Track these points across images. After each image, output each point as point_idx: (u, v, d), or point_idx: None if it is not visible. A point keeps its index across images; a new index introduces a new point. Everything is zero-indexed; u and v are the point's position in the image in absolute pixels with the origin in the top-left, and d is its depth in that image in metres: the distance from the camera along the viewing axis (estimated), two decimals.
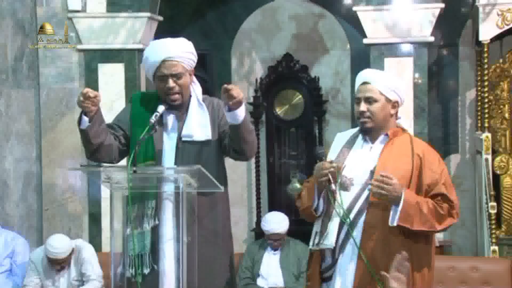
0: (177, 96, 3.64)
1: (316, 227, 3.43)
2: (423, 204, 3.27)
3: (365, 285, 3.28)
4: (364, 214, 3.32)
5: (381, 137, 3.45)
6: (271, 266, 5.74)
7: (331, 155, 3.50)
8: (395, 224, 3.24)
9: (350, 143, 3.49)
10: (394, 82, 3.47)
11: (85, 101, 3.43)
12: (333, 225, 3.34)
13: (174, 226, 3.53)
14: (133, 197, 3.52)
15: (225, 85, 3.40)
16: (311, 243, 3.43)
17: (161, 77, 3.64)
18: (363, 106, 3.42)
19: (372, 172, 3.34)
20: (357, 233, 3.32)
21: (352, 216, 3.33)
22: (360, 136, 3.50)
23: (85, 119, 3.50)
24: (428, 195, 3.32)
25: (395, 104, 3.45)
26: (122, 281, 3.56)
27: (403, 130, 3.52)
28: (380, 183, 3.23)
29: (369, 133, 3.46)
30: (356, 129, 3.55)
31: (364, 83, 3.46)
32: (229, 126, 3.52)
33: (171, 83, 3.62)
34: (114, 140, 3.67)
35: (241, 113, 3.44)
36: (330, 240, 3.33)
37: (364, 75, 3.50)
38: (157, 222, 3.55)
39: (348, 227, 3.32)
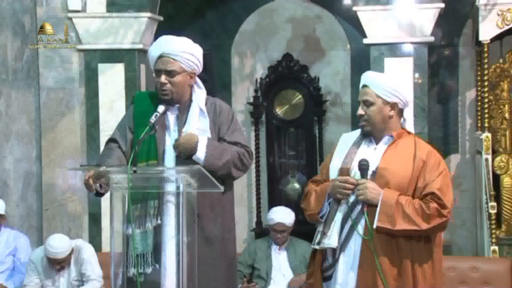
0: (167, 92, 3.66)
1: (319, 227, 3.47)
2: (407, 204, 3.30)
3: (367, 285, 3.31)
4: (365, 215, 3.34)
5: (386, 138, 3.48)
6: (276, 265, 5.73)
7: (337, 155, 3.53)
8: (375, 226, 3.29)
9: (357, 144, 3.52)
10: (393, 84, 3.47)
11: (90, 183, 3.49)
12: (336, 226, 3.39)
13: (175, 225, 3.53)
14: (135, 197, 3.53)
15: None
16: (313, 242, 3.47)
17: (156, 71, 3.69)
18: (360, 110, 3.48)
19: (374, 173, 3.38)
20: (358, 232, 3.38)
21: (355, 214, 3.37)
22: (366, 138, 3.52)
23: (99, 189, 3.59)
24: (420, 195, 3.35)
25: (394, 106, 3.46)
26: (123, 281, 3.56)
27: (408, 132, 3.53)
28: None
29: (371, 135, 3.49)
30: (360, 130, 3.56)
31: (364, 86, 3.50)
32: None
33: (163, 78, 3.65)
34: (124, 153, 3.71)
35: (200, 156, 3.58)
36: (332, 240, 3.37)
37: (364, 78, 3.54)
38: (159, 221, 3.56)
39: (349, 227, 3.37)
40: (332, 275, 3.41)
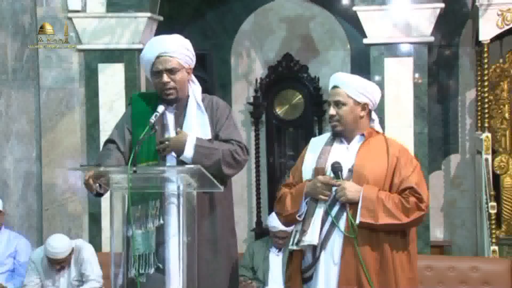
0: (172, 91, 3.65)
1: (297, 226, 3.49)
2: (387, 199, 3.36)
3: (351, 281, 3.34)
4: (346, 211, 3.38)
5: (357, 137, 3.54)
6: (273, 266, 5.72)
7: (310, 156, 3.57)
8: (357, 221, 3.33)
9: (329, 144, 3.57)
10: (363, 84, 3.54)
11: (91, 183, 3.47)
12: (316, 222, 3.41)
13: (177, 225, 3.53)
14: (135, 198, 3.52)
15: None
16: (291, 242, 3.48)
17: (156, 72, 3.67)
18: (332, 110, 3.53)
19: (351, 170, 3.43)
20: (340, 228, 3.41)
21: (335, 211, 3.40)
22: (336, 139, 3.58)
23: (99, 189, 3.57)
24: (398, 190, 3.41)
25: (365, 106, 3.53)
26: (124, 281, 3.55)
27: (377, 132, 3.60)
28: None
29: (343, 135, 3.55)
30: (330, 134, 3.63)
31: (334, 87, 3.56)
32: None
33: (165, 77, 3.64)
34: (122, 153, 3.69)
35: (187, 155, 3.54)
36: (313, 237, 3.39)
37: (333, 79, 3.59)
38: (161, 221, 3.55)
39: (330, 224, 3.40)
40: (312, 275, 3.42)
